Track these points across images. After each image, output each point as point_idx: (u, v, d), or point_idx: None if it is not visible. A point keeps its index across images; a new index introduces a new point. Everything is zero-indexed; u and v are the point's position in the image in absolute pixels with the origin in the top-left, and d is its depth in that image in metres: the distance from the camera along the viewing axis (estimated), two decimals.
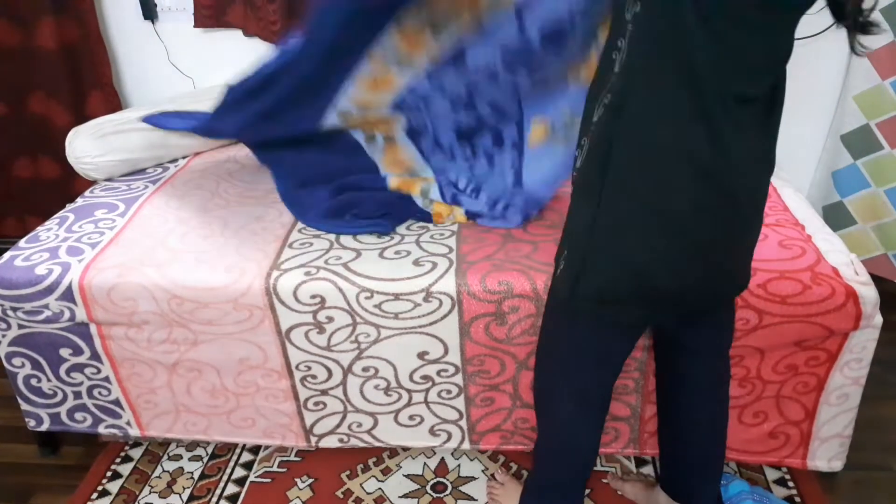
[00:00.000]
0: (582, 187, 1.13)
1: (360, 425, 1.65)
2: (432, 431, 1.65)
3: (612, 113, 1.03)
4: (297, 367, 1.56)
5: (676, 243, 1.07)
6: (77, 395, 1.67)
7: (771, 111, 1.11)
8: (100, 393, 1.67)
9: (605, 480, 1.65)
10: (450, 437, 1.65)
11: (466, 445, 1.66)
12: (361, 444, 1.67)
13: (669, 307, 1.17)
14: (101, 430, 1.72)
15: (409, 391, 1.59)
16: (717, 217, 1.06)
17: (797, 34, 2.02)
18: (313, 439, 1.68)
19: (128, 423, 1.71)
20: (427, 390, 1.58)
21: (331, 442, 1.68)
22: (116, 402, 1.68)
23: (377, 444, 1.67)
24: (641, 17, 0.97)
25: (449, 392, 1.58)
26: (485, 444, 1.66)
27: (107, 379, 1.64)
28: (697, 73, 0.96)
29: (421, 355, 1.53)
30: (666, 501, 1.49)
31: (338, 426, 1.65)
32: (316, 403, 1.62)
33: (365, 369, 1.56)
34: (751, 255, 1.19)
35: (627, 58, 0.99)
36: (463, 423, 1.63)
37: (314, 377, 1.58)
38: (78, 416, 1.71)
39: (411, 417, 1.63)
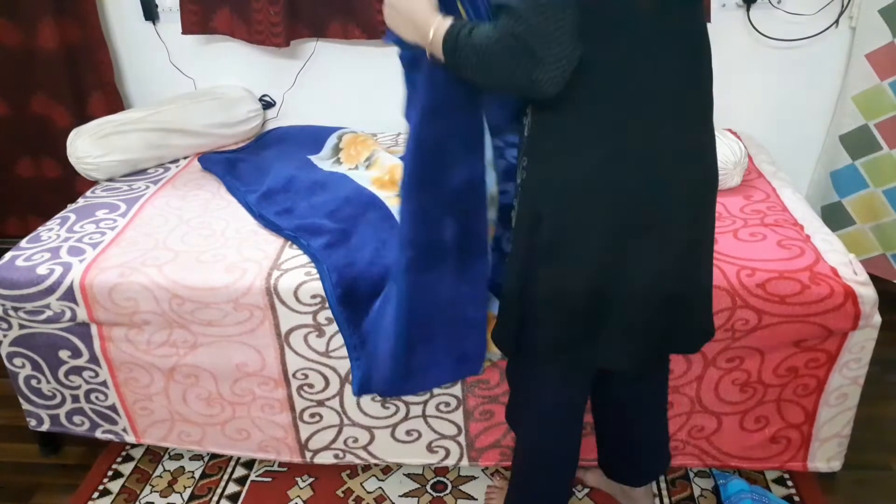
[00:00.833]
0: (515, 248, 1.19)
1: (355, 440, 1.63)
2: (430, 448, 1.63)
3: (532, 172, 1.12)
4: (294, 375, 1.56)
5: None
6: (75, 398, 1.68)
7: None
8: (97, 397, 1.67)
9: None
10: (448, 453, 1.64)
11: (465, 463, 1.64)
12: (357, 461, 1.66)
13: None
14: (99, 434, 1.72)
15: (406, 403, 1.58)
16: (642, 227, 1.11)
17: (796, 35, 2.03)
18: (308, 454, 1.66)
19: (124, 430, 1.71)
20: (425, 403, 1.57)
21: (326, 458, 1.66)
22: (113, 408, 1.68)
23: (373, 460, 1.65)
24: (535, 118, 1.08)
25: (447, 405, 1.57)
26: (484, 461, 1.64)
27: (104, 383, 1.64)
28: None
29: None
30: (628, 487, 1.53)
31: (333, 441, 1.64)
32: (312, 415, 1.61)
33: None
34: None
35: (532, 123, 1.10)
36: (461, 438, 1.61)
37: (311, 386, 1.57)
38: (76, 419, 1.71)
39: (408, 433, 1.61)
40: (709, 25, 1.96)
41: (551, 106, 1.03)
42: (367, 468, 1.72)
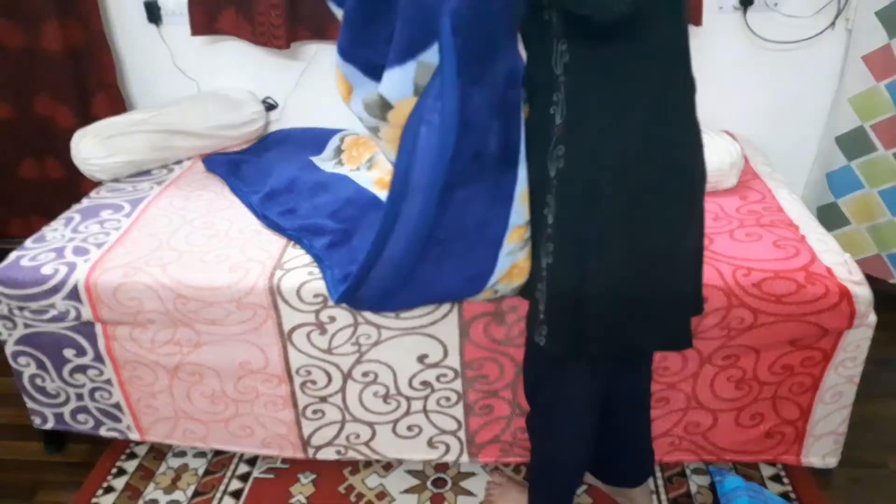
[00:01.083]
0: (561, 243, 1.14)
1: (357, 436, 1.65)
2: (430, 443, 1.65)
3: (577, 153, 1.08)
4: (297, 372, 1.58)
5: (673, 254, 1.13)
6: (79, 396, 1.69)
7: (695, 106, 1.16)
8: (101, 396, 1.68)
9: None
10: (448, 449, 1.65)
11: (465, 458, 1.66)
12: (359, 457, 1.68)
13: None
14: (103, 432, 1.74)
15: (407, 398, 1.60)
16: (696, 213, 1.15)
17: (793, 37, 2.04)
18: (311, 451, 1.68)
19: (128, 428, 1.72)
20: (426, 397, 1.59)
21: (328, 454, 1.68)
22: (117, 406, 1.69)
23: (375, 456, 1.67)
24: (572, 65, 1.03)
25: (448, 399, 1.59)
26: (483, 456, 1.66)
27: (108, 382, 1.66)
28: (643, 83, 1.04)
29: (420, 359, 1.54)
30: (606, 488, 1.56)
31: (335, 437, 1.66)
32: (315, 412, 1.63)
33: (364, 374, 1.57)
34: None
35: (568, 107, 1.06)
36: (461, 433, 1.63)
37: (314, 383, 1.59)
38: (80, 417, 1.73)
39: (409, 428, 1.63)
40: (706, 28, 2.02)
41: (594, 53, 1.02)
42: (368, 465, 1.74)
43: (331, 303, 1.49)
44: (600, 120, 1.06)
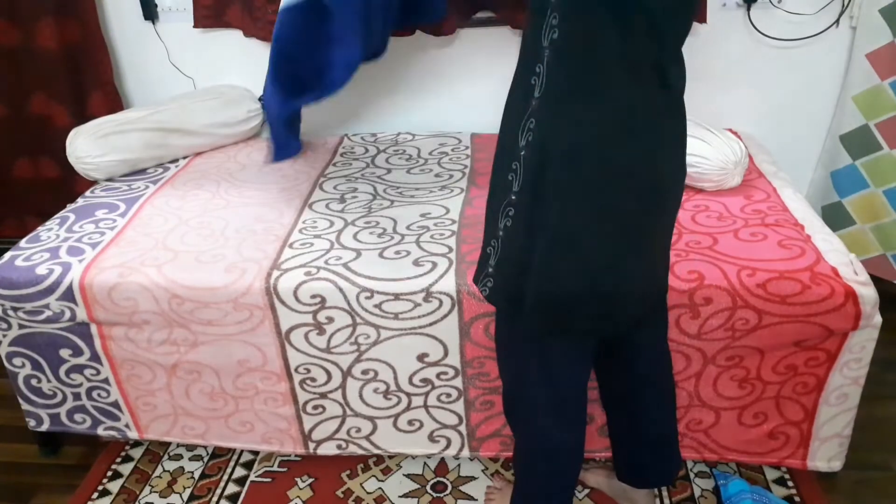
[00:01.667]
0: (521, 209, 1.14)
1: (358, 430, 1.64)
2: (431, 437, 1.64)
3: (543, 132, 1.07)
4: (296, 370, 1.56)
5: (624, 246, 1.13)
6: (76, 396, 1.68)
7: (680, 107, 1.14)
8: (99, 395, 1.67)
9: None
10: (449, 443, 1.65)
11: (466, 452, 1.65)
12: (360, 451, 1.67)
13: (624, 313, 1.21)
14: (101, 431, 1.72)
15: (408, 395, 1.58)
16: (653, 215, 1.14)
17: (797, 34, 2.03)
18: (311, 445, 1.67)
19: (126, 426, 1.71)
20: (427, 394, 1.58)
21: (329, 448, 1.67)
22: (115, 405, 1.68)
23: (376, 450, 1.67)
24: (560, 41, 1.01)
25: (448, 395, 1.58)
26: (484, 450, 1.65)
27: (106, 380, 1.64)
28: (622, 77, 1.03)
29: (420, 357, 1.53)
30: (630, 489, 1.52)
31: (336, 431, 1.65)
32: (315, 407, 1.62)
33: (364, 372, 1.56)
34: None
35: (547, 80, 1.04)
36: (462, 428, 1.62)
37: (313, 380, 1.58)
38: (77, 417, 1.71)
39: (410, 422, 1.62)
40: (710, 25, 2.00)
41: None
42: (366, 468, 1.72)
43: (329, 303, 1.47)
44: (567, 105, 1.05)
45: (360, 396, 1.59)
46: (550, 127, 1.06)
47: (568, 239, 1.10)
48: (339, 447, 1.67)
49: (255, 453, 1.78)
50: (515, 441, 1.43)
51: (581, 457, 1.41)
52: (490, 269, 1.22)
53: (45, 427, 1.73)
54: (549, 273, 1.12)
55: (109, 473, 1.75)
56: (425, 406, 1.60)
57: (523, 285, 1.16)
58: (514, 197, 1.14)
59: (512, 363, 1.34)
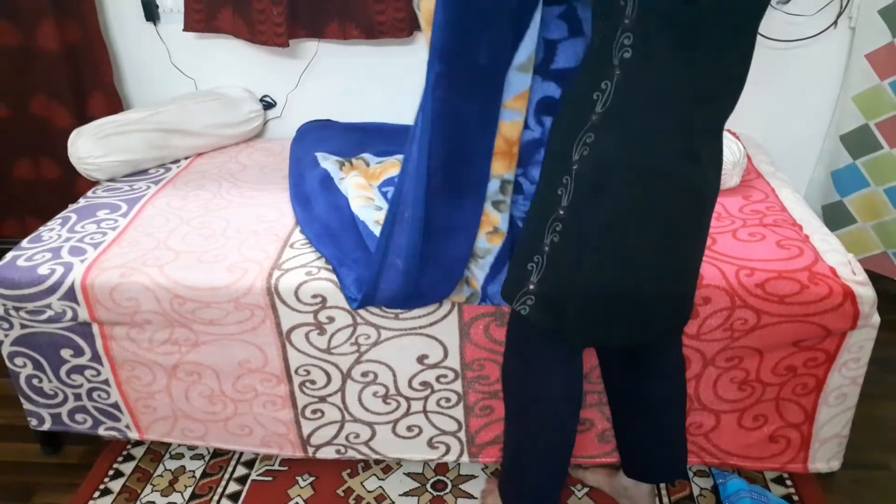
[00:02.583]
0: (570, 224, 1.15)
1: (357, 436, 1.64)
2: (430, 444, 1.64)
3: (603, 148, 1.08)
4: (296, 372, 1.57)
5: (668, 259, 1.16)
6: (77, 396, 1.68)
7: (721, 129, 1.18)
8: (99, 395, 1.67)
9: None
10: (448, 449, 1.64)
11: (465, 458, 1.65)
12: (359, 457, 1.67)
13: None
14: (102, 431, 1.73)
15: (407, 399, 1.58)
16: (697, 230, 1.17)
17: (796, 35, 2.03)
18: (310, 450, 1.67)
19: (127, 427, 1.71)
20: (426, 398, 1.58)
21: (328, 453, 1.67)
22: (115, 406, 1.68)
23: (375, 455, 1.66)
24: (630, 62, 1.02)
25: (448, 400, 1.58)
26: (484, 457, 1.65)
27: (106, 382, 1.65)
28: (679, 108, 1.05)
29: (420, 359, 1.53)
30: (633, 485, 1.51)
31: (335, 436, 1.65)
32: (314, 411, 1.62)
33: (364, 374, 1.56)
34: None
35: (614, 97, 1.05)
36: (462, 434, 1.62)
37: (313, 382, 1.58)
38: (78, 417, 1.71)
39: (409, 428, 1.62)
40: None
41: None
42: (367, 467, 1.73)
43: (329, 303, 1.48)
44: (633, 126, 1.06)
45: (360, 401, 1.59)
46: (614, 143, 1.07)
47: (617, 251, 1.12)
48: (337, 452, 1.67)
49: (256, 453, 1.78)
50: (510, 439, 1.43)
51: (568, 460, 1.42)
52: (531, 287, 1.20)
53: (46, 426, 1.73)
54: (596, 282, 1.14)
55: (111, 472, 1.75)
56: (424, 411, 1.60)
57: (568, 300, 1.17)
58: (562, 212, 1.14)
59: (521, 368, 1.35)
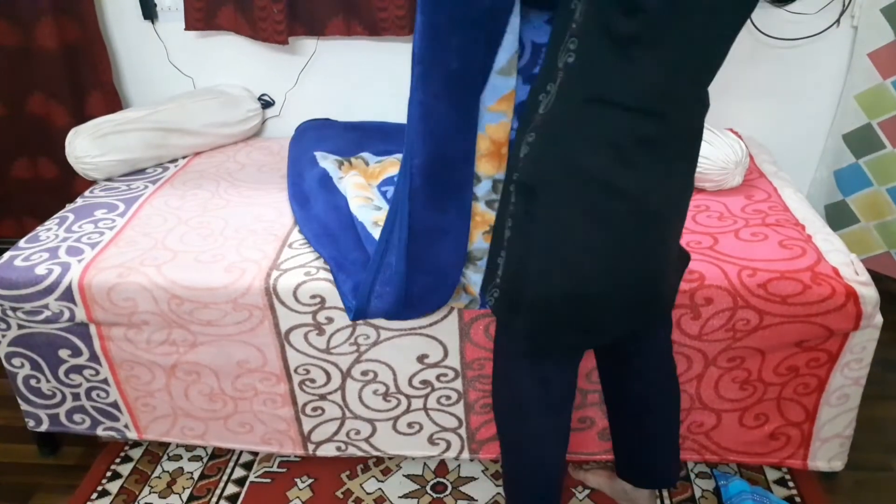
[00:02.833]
0: (518, 220, 1.16)
1: (358, 433, 1.64)
2: (431, 440, 1.64)
3: (542, 148, 1.09)
4: (295, 371, 1.56)
5: (610, 258, 1.13)
6: (76, 396, 1.67)
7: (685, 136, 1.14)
8: (98, 395, 1.66)
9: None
10: (449, 445, 1.64)
11: (466, 455, 1.65)
12: (359, 453, 1.67)
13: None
14: (100, 431, 1.72)
15: (408, 397, 1.58)
16: (646, 230, 1.13)
17: (798, 34, 2.02)
18: (311, 447, 1.67)
19: (125, 426, 1.71)
20: (426, 396, 1.58)
21: (328, 450, 1.67)
22: (114, 405, 1.68)
23: (375, 452, 1.66)
24: (572, 67, 1.03)
25: (448, 398, 1.58)
26: (484, 453, 1.64)
27: (105, 381, 1.64)
28: (616, 117, 1.04)
29: (420, 359, 1.53)
30: (631, 488, 1.51)
31: (336, 433, 1.64)
32: (314, 409, 1.61)
33: (364, 373, 1.55)
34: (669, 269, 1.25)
35: (555, 101, 1.06)
36: (462, 431, 1.62)
37: (313, 381, 1.57)
38: (77, 417, 1.71)
39: (410, 425, 1.62)
40: None
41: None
42: (366, 469, 1.72)
43: (328, 303, 1.47)
44: (567, 130, 1.07)
45: (360, 398, 1.59)
46: (548, 145, 1.08)
47: (557, 249, 1.12)
48: (338, 449, 1.67)
49: (255, 454, 1.77)
50: (506, 457, 1.43)
51: (563, 466, 1.42)
52: (497, 280, 1.23)
53: (44, 427, 1.72)
54: (542, 282, 1.15)
55: (109, 474, 1.75)
56: (425, 409, 1.59)
57: (520, 299, 1.19)
58: (512, 208, 1.16)
59: (503, 374, 1.36)
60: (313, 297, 1.47)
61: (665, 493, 1.63)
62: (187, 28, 2.14)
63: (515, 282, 1.19)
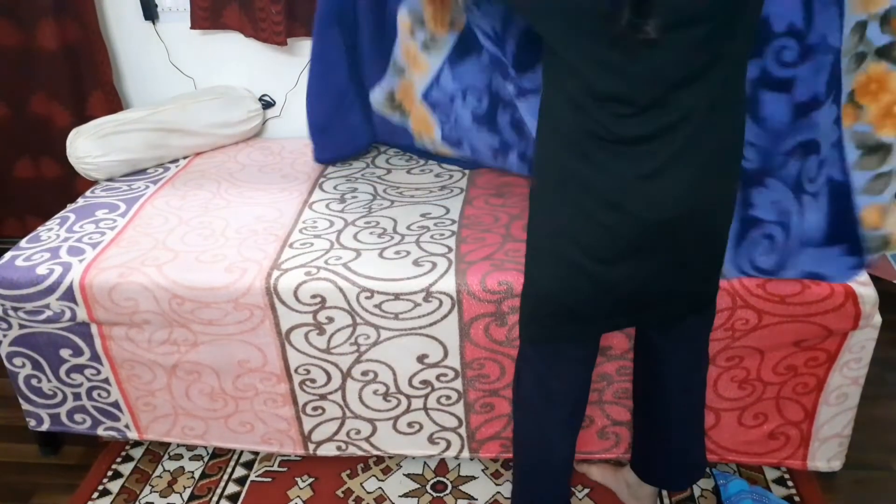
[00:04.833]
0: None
1: (358, 432, 1.64)
2: (431, 439, 1.64)
3: (538, 151, 1.20)
4: (296, 371, 1.56)
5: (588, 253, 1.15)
6: (77, 396, 1.68)
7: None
8: (99, 395, 1.67)
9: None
10: (449, 445, 1.65)
11: (466, 454, 1.65)
12: (360, 453, 1.67)
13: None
14: (101, 431, 1.72)
15: (408, 396, 1.58)
16: (617, 234, 1.11)
17: None
18: (311, 446, 1.67)
19: (126, 426, 1.71)
20: (426, 396, 1.58)
21: (329, 449, 1.67)
22: (115, 405, 1.68)
23: (375, 452, 1.67)
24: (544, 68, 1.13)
25: (448, 398, 1.58)
26: (484, 452, 1.65)
27: (106, 380, 1.64)
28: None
29: (420, 358, 1.53)
30: (636, 482, 1.51)
31: (336, 433, 1.65)
32: (314, 408, 1.62)
33: (364, 373, 1.56)
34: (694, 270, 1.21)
35: (541, 104, 1.16)
36: (462, 430, 1.62)
37: (313, 381, 1.58)
38: (77, 417, 1.71)
39: (410, 424, 1.62)
40: None
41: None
42: (367, 468, 1.72)
43: (329, 303, 1.47)
44: (541, 119, 1.16)
45: (360, 398, 1.59)
46: (543, 145, 1.17)
47: (535, 244, 1.21)
48: (338, 448, 1.67)
49: (256, 453, 1.78)
50: (518, 453, 1.44)
51: (570, 462, 1.42)
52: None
53: (45, 427, 1.73)
54: (528, 274, 1.25)
55: (110, 473, 1.75)
56: (425, 408, 1.60)
57: (526, 290, 1.29)
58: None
59: (517, 367, 1.39)
60: (314, 296, 1.47)
61: (665, 493, 1.63)
62: (193, 27, 2.15)
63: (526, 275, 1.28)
